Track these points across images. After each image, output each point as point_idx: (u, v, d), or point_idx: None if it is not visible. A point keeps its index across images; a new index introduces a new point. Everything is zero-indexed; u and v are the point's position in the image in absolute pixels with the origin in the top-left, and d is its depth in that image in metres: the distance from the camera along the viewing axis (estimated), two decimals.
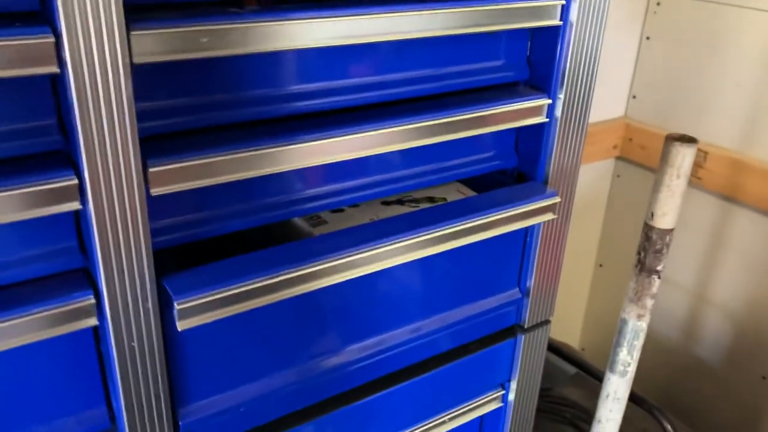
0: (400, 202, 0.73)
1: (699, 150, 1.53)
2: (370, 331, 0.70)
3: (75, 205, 0.49)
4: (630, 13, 1.54)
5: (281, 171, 0.57)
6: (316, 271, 0.58)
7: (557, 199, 0.71)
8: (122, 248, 0.51)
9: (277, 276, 0.56)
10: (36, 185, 0.47)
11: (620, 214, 1.71)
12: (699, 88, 1.49)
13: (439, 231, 0.65)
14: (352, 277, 0.61)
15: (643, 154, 1.61)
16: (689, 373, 1.63)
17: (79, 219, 0.53)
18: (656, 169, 0.87)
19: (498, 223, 0.68)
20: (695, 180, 1.51)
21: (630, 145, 1.65)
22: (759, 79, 1.38)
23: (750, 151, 1.42)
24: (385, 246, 0.62)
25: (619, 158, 1.69)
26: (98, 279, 0.52)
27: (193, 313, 0.53)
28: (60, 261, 0.53)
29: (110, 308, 0.52)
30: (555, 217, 0.72)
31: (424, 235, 0.64)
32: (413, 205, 0.73)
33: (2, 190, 0.46)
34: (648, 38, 1.57)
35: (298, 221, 0.69)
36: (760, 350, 1.49)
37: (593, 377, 1.33)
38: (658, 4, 1.52)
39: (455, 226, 0.65)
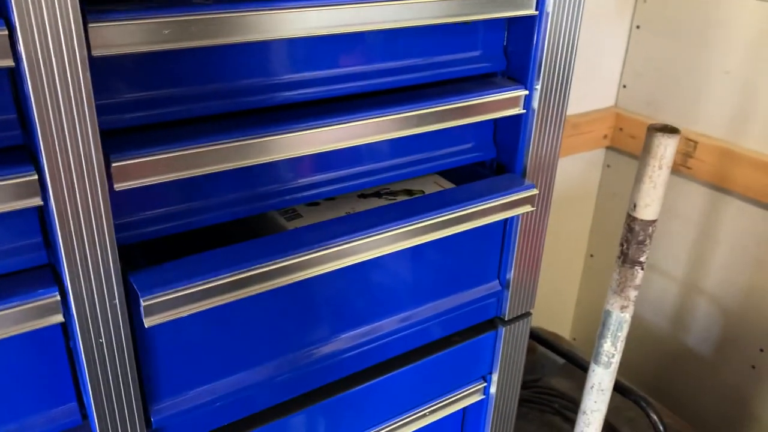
0: (377, 194, 0.73)
1: (689, 140, 1.52)
2: (348, 324, 0.69)
3: (36, 201, 0.48)
4: (620, 1, 1.53)
5: (252, 164, 0.57)
6: (287, 265, 0.57)
7: (535, 191, 0.70)
8: (86, 244, 0.50)
9: (247, 271, 0.56)
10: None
11: (611, 204, 1.71)
12: (689, 78, 1.48)
13: (415, 223, 0.64)
14: (326, 271, 0.60)
15: (633, 144, 1.61)
16: (678, 362, 1.63)
17: (42, 214, 0.52)
18: (638, 160, 0.86)
19: (475, 215, 0.67)
20: (685, 170, 1.51)
21: (620, 134, 1.64)
22: (747, 67, 1.37)
23: (739, 141, 1.41)
24: (360, 239, 0.61)
25: (609, 148, 1.68)
26: (63, 275, 0.51)
27: (160, 309, 0.52)
28: (24, 257, 0.53)
29: (76, 305, 0.51)
30: (533, 209, 0.71)
31: (400, 228, 0.63)
32: (390, 197, 0.72)
33: None
34: (638, 27, 1.56)
35: (274, 215, 0.68)
36: (748, 339, 1.49)
37: (581, 368, 1.33)
38: None
39: (432, 219, 0.65)
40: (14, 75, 0.48)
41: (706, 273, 1.53)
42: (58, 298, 0.52)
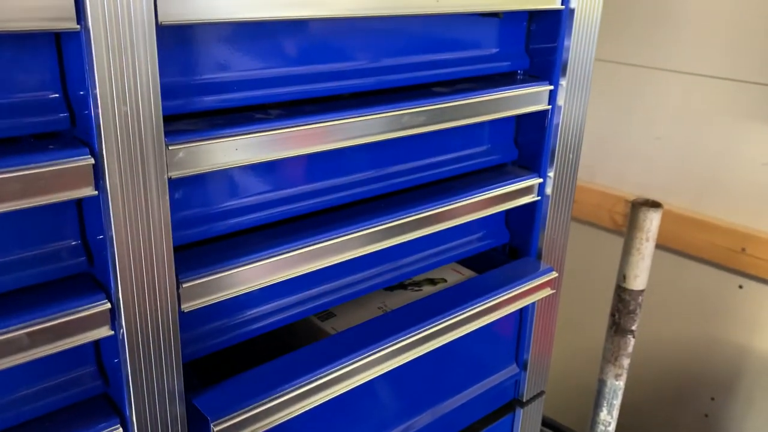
0: (402, 286, 0.73)
1: (626, 201, 1.62)
2: (381, 425, 0.68)
3: (105, 332, 0.46)
4: None
5: (303, 273, 0.56)
6: (345, 372, 0.56)
7: (555, 274, 0.73)
8: (153, 369, 0.48)
9: (310, 382, 0.54)
10: (69, 313, 0.43)
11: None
12: (622, 144, 1.58)
13: (453, 318, 0.64)
14: (376, 374, 0.59)
15: (575, 208, 1.69)
16: (637, 414, 1.68)
17: (98, 346, 0.49)
18: (625, 234, 0.91)
19: (503, 303, 0.69)
20: (623, 228, 1.60)
21: None
22: (677, 133, 1.48)
23: (675, 201, 1.51)
24: (403, 340, 0.61)
25: None
26: (125, 407, 0.48)
27: (232, 431, 0.50)
28: (81, 389, 0.49)
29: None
30: (553, 291, 0.74)
31: (437, 325, 0.64)
32: (416, 288, 0.73)
33: (34, 323, 0.42)
34: None
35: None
36: (700, 389, 1.57)
37: None
38: None
39: (466, 312, 0.65)
40: (80, 202, 0.45)
41: (656, 327, 1.61)
42: (120, 430, 0.48)
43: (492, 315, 0.68)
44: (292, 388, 0.54)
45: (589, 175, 1.67)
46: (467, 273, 0.75)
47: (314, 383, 0.55)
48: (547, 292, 0.73)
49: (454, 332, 0.65)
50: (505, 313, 0.69)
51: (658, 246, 1.53)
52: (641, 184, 1.56)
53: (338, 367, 0.56)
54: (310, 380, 0.55)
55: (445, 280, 0.74)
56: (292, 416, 0.54)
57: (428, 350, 0.63)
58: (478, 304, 0.67)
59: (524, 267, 0.73)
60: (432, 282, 0.74)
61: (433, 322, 0.63)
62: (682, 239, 1.50)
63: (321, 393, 0.56)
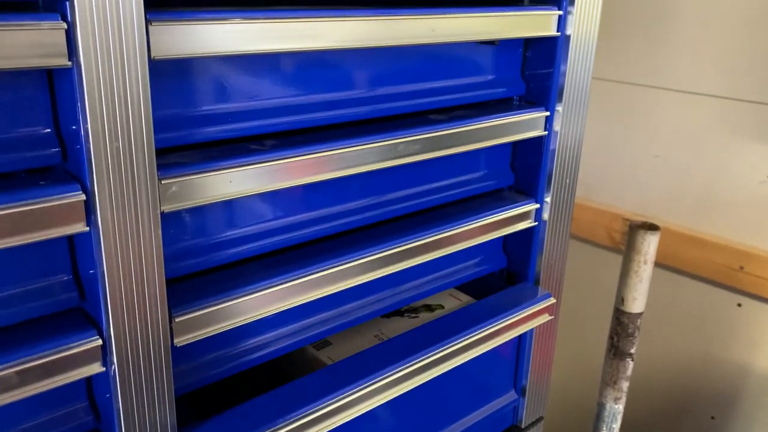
0: (399, 313, 0.72)
1: (625, 219, 1.62)
2: None
3: (96, 368, 0.45)
4: None
5: (299, 303, 0.55)
6: (342, 404, 0.56)
7: (553, 300, 0.72)
8: (145, 404, 0.47)
9: (306, 415, 0.53)
10: (61, 350, 0.43)
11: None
12: (620, 162, 1.58)
13: (450, 347, 0.64)
14: (375, 405, 0.59)
15: (572, 225, 1.69)
16: (634, 430, 1.67)
17: (90, 381, 0.48)
18: (623, 256, 0.91)
19: (502, 330, 0.68)
20: (621, 245, 1.59)
21: None
22: (674, 151, 1.48)
23: (672, 219, 1.51)
24: (402, 370, 0.60)
25: None
26: None
27: None
28: (72, 425, 0.48)
29: None
30: (552, 317, 0.73)
31: (436, 354, 0.63)
32: (413, 315, 0.72)
33: (25, 361, 0.41)
34: None
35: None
36: (700, 409, 1.56)
37: None
38: None
39: (465, 340, 0.65)
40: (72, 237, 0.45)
41: (655, 346, 1.60)
42: None
43: (490, 342, 0.68)
44: (288, 422, 0.53)
45: (586, 192, 1.67)
46: (464, 299, 0.75)
47: (311, 416, 0.54)
48: (545, 318, 0.72)
49: (451, 361, 0.65)
50: (503, 341, 0.69)
51: (657, 264, 1.53)
52: (639, 202, 1.56)
53: (335, 399, 0.56)
54: (307, 413, 0.54)
55: (443, 307, 0.73)
56: None
57: (426, 379, 0.62)
58: (476, 332, 0.66)
59: (522, 293, 0.73)
60: (429, 308, 0.73)
61: (430, 351, 0.63)
62: (680, 257, 1.50)
63: (318, 425, 0.55)
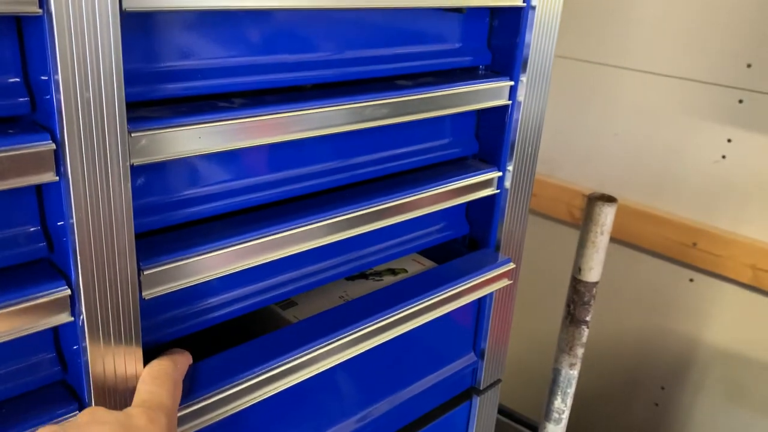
0: (363, 276, 0.74)
1: (584, 195, 1.66)
2: (339, 414, 0.69)
3: (64, 318, 0.45)
4: None
5: (265, 261, 0.56)
6: (306, 360, 0.57)
7: (512, 265, 0.75)
8: (113, 356, 0.48)
9: (273, 368, 0.55)
10: (28, 299, 0.43)
11: None
12: (581, 139, 1.62)
13: (411, 307, 0.66)
14: (337, 362, 0.60)
15: (534, 201, 1.72)
16: (592, 404, 1.73)
17: (57, 332, 0.49)
18: (581, 227, 0.93)
19: (462, 293, 0.70)
20: (581, 221, 1.64)
21: None
22: (633, 129, 1.52)
23: (630, 195, 1.56)
24: (368, 327, 0.62)
25: None
26: (83, 394, 0.48)
27: (192, 417, 0.50)
28: (39, 376, 0.49)
29: None
30: (510, 282, 0.75)
31: (399, 313, 0.65)
32: (377, 278, 0.74)
33: None
34: None
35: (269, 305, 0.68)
36: (651, 379, 1.62)
37: (528, 427, 1.38)
38: None
39: (427, 300, 0.67)
40: (40, 188, 0.45)
41: (610, 318, 1.65)
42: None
43: (451, 304, 0.70)
44: (251, 376, 0.54)
45: (548, 169, 1.70)
46: (428, 264, 0.77)
47: (274, 371, 0.56)
48: (505, 282, 0.75)
49: (413, 321, 0.67)
50: (464, 303, 0.71)
51: (614, 239, 1.58)
52: (599, 179, 1.60)
53: (299, 355, 0.57)
54: (271, 368, 0.55)
55: (406, 271, 0.75)
56: (251, 404, 0.55)
57: (388, 339, 0.64)
58: (437, 294, 0.68)
59: (483, 258, 0.75)
60: (393, 272, 0.75)
61: (392, 311, 0.65)
62: (637, 233, 1.55)
63: (281, 381, 0.56)
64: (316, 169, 0.63)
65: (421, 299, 0.67)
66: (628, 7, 1.46)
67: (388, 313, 0.64)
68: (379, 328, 0.63)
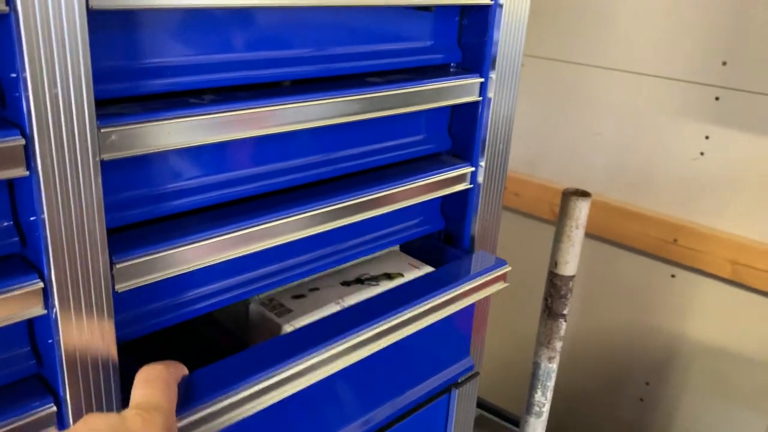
0: (359, 281, 0.74)
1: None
2: (338, 420, 0.69)
3: (37, 311, 0.46)
4: None
5: (239, 255, 0.57)
6: (303, 368, 0.57)
7: (508, 268, 0.75)
8: (87, 351, 0.49)
9: (269, 377, 0.55)
10: (1, 293, 0.44)
11: (500, 255, 1.82)
12: (563, 139, 1.64)
13: (409, 313, 0.65)
14: (335, 370, 0.60)
15: (517, 201, 1.74)
16: (576, 400, 1.74)
17: (32, 326, 0.50)
18: (546, 222, 0.95)
19: (460, 296, 0.70)
20: None
21: (505, 192, 1.77)
22: (613, 129, 1.54)
23: (612, 194, 1.57)
24: (364, 334, 0.62)
25: None
26: (59, 387, 0.49)
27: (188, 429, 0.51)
28: (14, 370, 0.50)
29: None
30: (507, 284, 0.76)
31: (398, 318, 0.64)
32: (373, 283, 0.74)
33: None
34: None
35: (263, 311, 0.67)
36: (635, 374, 1.63)
37: (509, 421, 1.39)
38: (522, 64, 1.67)
39: (423, 306, 0.67)
40: (12, 184, 0.46)
41: (594, 315, 1.67)
42: (54, 409, 0.49)
43: (448, 309, 0.69)
44: (248, 385, 0.54)
45: (531, 169, 1.72)
46: (424, 268, 0.77)
47: (271, 380, 0.55)
48: (501, 285, 0.75)
49: (409, 327, 0.66)
50: (461, 307, 0.71)
51: (597, 237, 1.60)
52: (580, 178, 1.62)
53: (296, 364, 0.56)
54: (267, 377, 0.55)
55: (402, 275, 0.75)
56: (246, 415, 0.54)
57: (384, 346, 0.64)
58: (433, 300, 0.68)
59: (478, 261, 0.76)
60: (389, 277, 0.75)
61: (389, 317, 0.64)
62: (619, 230, 1.57)
63: (278, 390, 0.56)
64: (291, 165, 0.64)
65: (417, 305, 0.67)
66: (606, 7, 1.49)
67: (385, 320, 0.63)
68: (375, 335, 0.63)
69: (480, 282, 0.72)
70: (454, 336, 0.80)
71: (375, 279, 0.75)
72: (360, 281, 0.74)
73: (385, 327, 0.64)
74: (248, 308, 0.68)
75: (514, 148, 1.71)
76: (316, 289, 0.72)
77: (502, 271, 0.75)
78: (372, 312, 0.64)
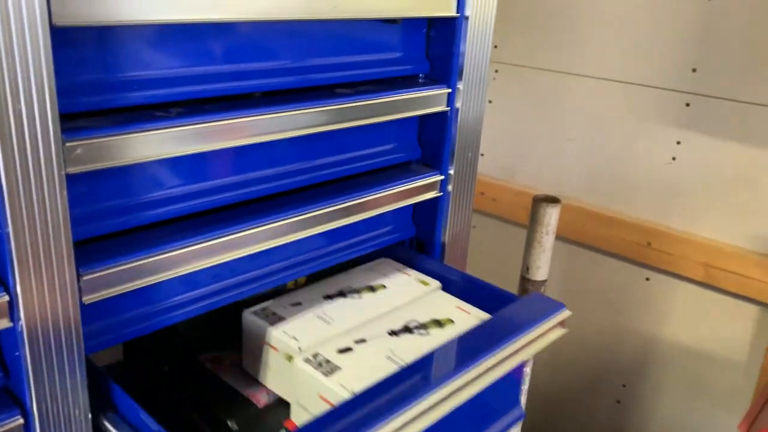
0: (407, 330, 0.68)
1: None
2: None
3: (3, 324, 0.47)
4: None
5: (208, 266, 0.58)
6: None
7: (568, 313, 0.69)
8: (55, 361, 0.49)
9: None
10: None
11: (478, 261, 1.84)
12: (539, 145, 1.66)
13: (474, 370, 0.58)
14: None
15: (495, 206, 1.76)
16: (555, 402, 1.76)
17: None
18: (523, 228, 0.96)
19: (524, 348, 0.64)
20: None
21: (482, 198, 1.79)
22: (587, 134, 1.56)
23: (587, 199, 1.59)
24: (432, 399, 0.54)
25: (474, 211, 1.82)
26: (25, 400, 0.49)
27: None
28: None
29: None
30: (567, 330, 0.70)
31: (466, 375, 0.57)
32: (423, 332, 0.68)
33: None
34: (490, 102, 1.73)
35: (315, 373, 0.60)
36: (612, 377, 1.65)
37: None
38: (497, 71, 1.69)
39: (487, 361, 0.59)
40: None
41: (572, 320, 1.68)
42: (21, 421, 0.49)
43: (509, 363, 0.62)
44: None
45: (508, 175, 1.74)
46: (473, 312, 0.72)
47: None
48: (561, 332, 0.69)
49: (476, 384, 0.59)
50: (523, 359, 0.63)
51: (573, 242, 1.61)
52: (557, 183, 1.64)
53: None
54: None
55: (452, 321, 0.70)
56: None
57: (452, 407, 0.56)
58: (498, 353, 0.60)
59: (535, 306, 0.68)
60: (438, 324, 0.69)
61: (455, 377, 0.56)
62: (594, 235, 1.59)
63: None
64: (261, 175, 0.65)
65: (482, 360, 0.58)
66: (579, 16, 1.51)
67: (451, 380, 0.55)
68: (442, 398, 0.55)
69: (542, 331, 0.65)
70: (508, 388, 0.73)
71: (424, 327, 0.68)
72: (408, 330, 0.68)
73: (452, 388, 0.55)
74: (292, 362, 0.62)
75: (492, 154, 1.74)
76: (363, 340, 0.66)
77: (562, 317, 0.68)
78: (434, 370, 0.57)
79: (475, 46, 0.72)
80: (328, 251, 0.73)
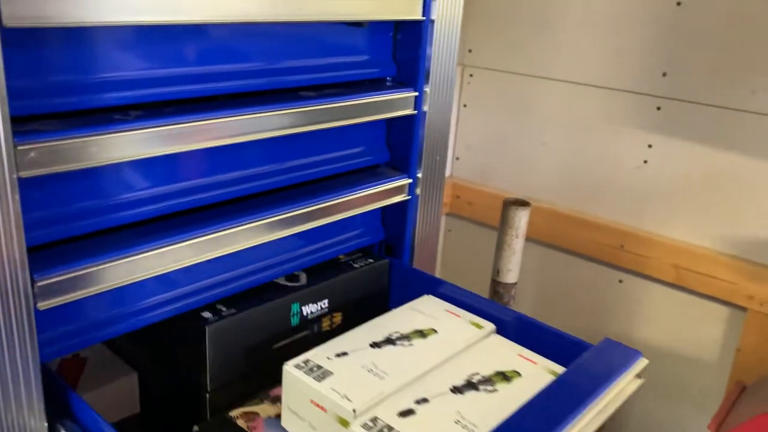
0: (471, 386, 0.61)
1: None
2: None
3: None
4: None
5: (168, 271, 0.57)
6: None
7: (645, 361, 0.65)
8: (8, 368, 0.48)
9: None
10: None
11: (454, 265, 1.84)
12: (512, 148, 1.66)
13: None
14: None
15: (470, 210, 1.76)
16: None
17: None
18: (497, 231, 0.97)
19: (607, 408, 0.60)
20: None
21: (458, 202, 1.79)
22: (561, 138, 1.57)
23: (560, 201, 1.60)
24: None
25: (449, 214, 1.82)
26: None
27: None
28: None
29: None
30: (643, 381, 0.66)
31: None
32: (489, 388, 0.61)
33: None
34: (465, 105, 1.73)
35: None
36: None
37: None
38: (471, 75, 1.69)
39: (578, 422, 0.54)
40: None
41: (545, 321, 1.69)
42: None
43: (595, 422, 0.57)
44: None
45: (483, 178, 1.74)
46: (539, 361, 0.66)
47: None
48: (639, 383, 0.64)
49: None
50: (605, 419, 0.58)
51: (547, 244, 1.62)
52: (531, 187, 1.65)
53: None
54: None
55: (519, 374, 0.64)
56: None
57: None
58: (586, 413, 0.56)
59: (610, 355, 0.63)
60: (505, 377, 0.63)
61: None
62: (568, 238, 1.59)
63: None
64: (225, 178, 0.64)
65: (568, 426, 0.53)
66: (552, 21, 1.52)
67: None
68: None
69: (623, 384, 0.60)
70: None
71: (490, 381, 0.62)
72: (473, 386, 0.61)
73: None
74: (348, 429, 0.56)
75: (467, 158, 1.74)
76: (425, 400, 0.59)
77: (641, 366, 0.63)
78: None
79: (442, 49, 0.72)
80: (298, 254, 0.73)
